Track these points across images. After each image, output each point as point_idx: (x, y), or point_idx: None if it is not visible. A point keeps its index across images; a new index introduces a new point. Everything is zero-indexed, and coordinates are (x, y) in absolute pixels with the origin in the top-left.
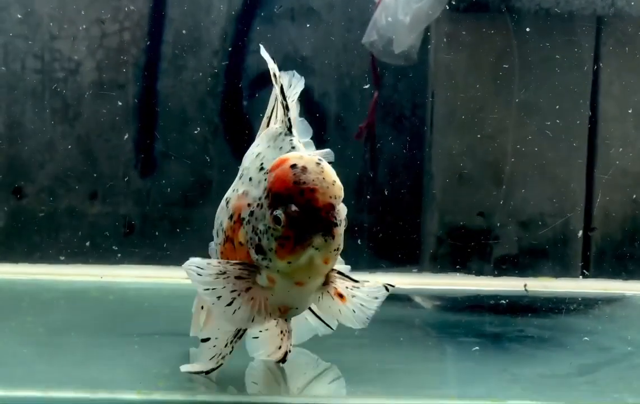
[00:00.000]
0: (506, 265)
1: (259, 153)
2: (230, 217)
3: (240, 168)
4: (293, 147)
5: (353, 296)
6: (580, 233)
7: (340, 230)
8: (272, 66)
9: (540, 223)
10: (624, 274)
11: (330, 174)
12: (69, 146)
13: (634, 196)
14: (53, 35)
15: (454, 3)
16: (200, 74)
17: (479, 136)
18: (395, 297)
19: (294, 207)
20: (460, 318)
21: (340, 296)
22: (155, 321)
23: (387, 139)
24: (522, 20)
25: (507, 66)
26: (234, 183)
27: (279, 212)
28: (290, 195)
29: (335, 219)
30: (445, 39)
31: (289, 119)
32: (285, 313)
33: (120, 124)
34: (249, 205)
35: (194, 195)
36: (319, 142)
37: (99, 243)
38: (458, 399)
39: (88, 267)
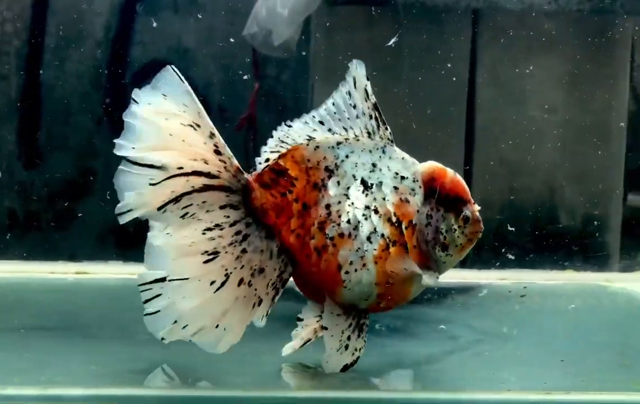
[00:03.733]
0: None
1: (375, 163)
2: (397, 224)
3: (338, 179)
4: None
5: None
6: None
7: None
8: (366, 82)
9: None
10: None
11: None
12: None
13: (511, 185)
14: None
15: None
16: (84, 65)
17: None
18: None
19: (475, 206)
20: None
21: None
22: (21, 315)
23: (269, 130)
24: (400, 13)
25: (386, 58)
26: (354, 194)
27: (467, 213)
28: (467, 199)
29: None
30: (324, 31)
31: (390, 132)
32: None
33: (2, 116)
34: (418, 211)
35: (78, 187)
36: None
37: None
38: (297, 391)
39: None
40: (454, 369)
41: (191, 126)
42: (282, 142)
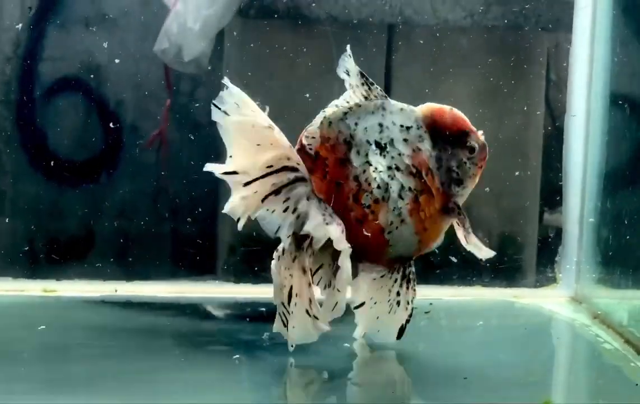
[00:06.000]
0: None
1: (381, 123)
2: (419, 175)
3: (357, 148)
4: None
5: None
6: None
7: None
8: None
9: None
10: None
11: None
12: None
13: None
14: None
15: (243, 9)
16: None
17: None
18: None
19: (478, 133)
20: (214, 325)
21: None
22: None
23: (183, 147)
24: (312, 28)
25: (299, 73)
26: (374, 158)
27: (472, 142)
28: (470, 129)
29: None
30: (237, 46)
31: (381, 89)
32: None
33: None
34: (430, 156)
35: None
36: (116, 151)
37: None
38: None
39: None
40: (352, 387)
41: (269, 127)
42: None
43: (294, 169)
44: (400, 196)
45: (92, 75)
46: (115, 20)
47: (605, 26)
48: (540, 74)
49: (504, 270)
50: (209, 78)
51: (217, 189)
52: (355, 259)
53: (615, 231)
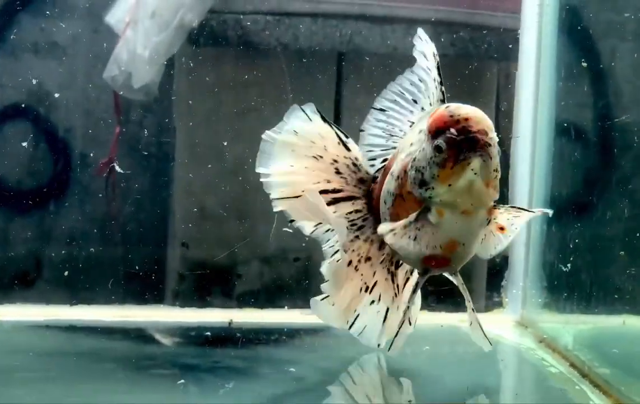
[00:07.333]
0: (248, 300)
1: (421, 129)
2: (398, 177)
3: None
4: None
5: (512, 224)
6: None
7: (496, 152)
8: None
9: (282, 259)
10: None
11: (481, 112)
12: None
13: None
14: None
15: (193, 37)
16: None
17: (221, 170)
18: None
19: (451, 131)
20: (159, 350)
21: (502, 228)
22: None
23: (132, 174)
24: (261, 56)
25: (248, 101)
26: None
27: (439, 141)
28: (448, 126)
29: (491, 141)
30: (186, 73)
31: (443, 92)
32: (452, 250)
33: None
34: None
35: None
36: (65, 178)
37: None
38: None
39: None
40: None
41: (314, 157)
42: (392, 135)
43: (334, 191)
44: (384, 201)
45: (40, 103)
46: (64, 47)
47: (551, 51)
48: (490, 103)
49: (450, 294)
50: (158, 105)
51: (167, 217)
52: None
53: (561, 255)
